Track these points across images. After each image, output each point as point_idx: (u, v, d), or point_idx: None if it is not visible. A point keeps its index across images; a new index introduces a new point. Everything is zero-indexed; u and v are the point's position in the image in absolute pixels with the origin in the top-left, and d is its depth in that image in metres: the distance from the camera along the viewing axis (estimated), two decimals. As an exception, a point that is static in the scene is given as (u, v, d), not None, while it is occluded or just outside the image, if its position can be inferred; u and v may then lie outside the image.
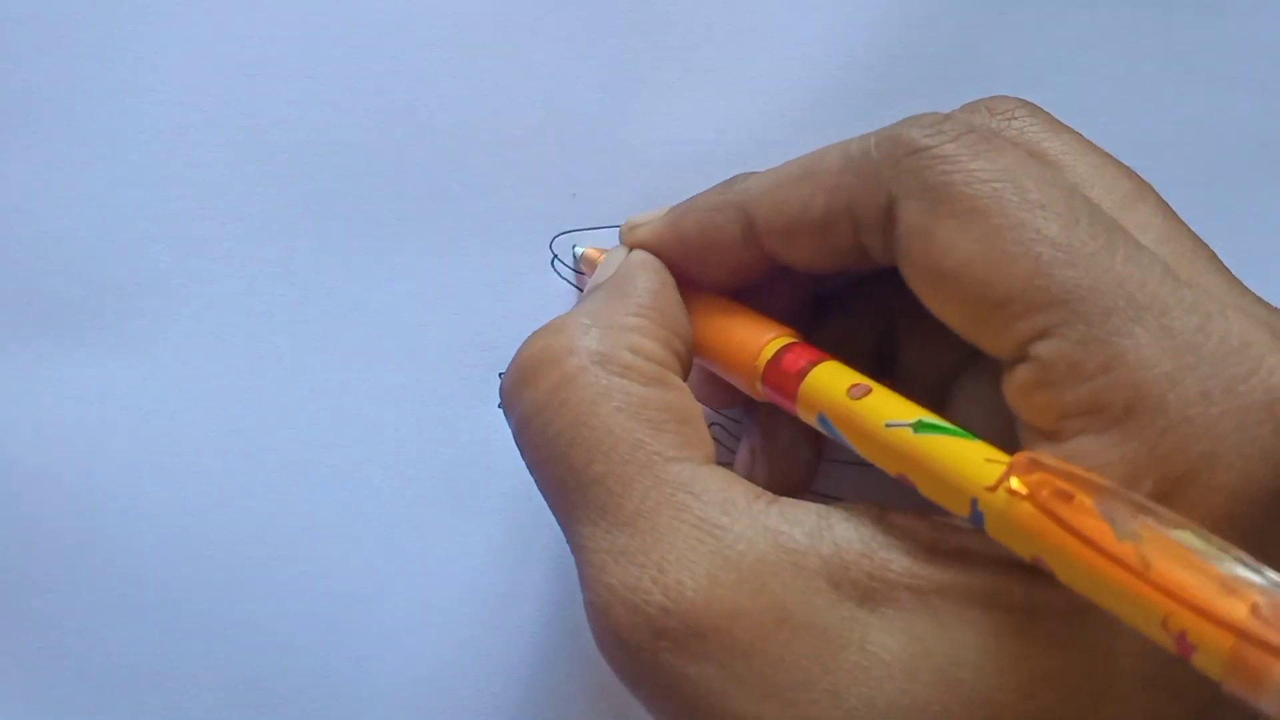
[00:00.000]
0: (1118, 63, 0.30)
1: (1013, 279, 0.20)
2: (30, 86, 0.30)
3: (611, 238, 0.30)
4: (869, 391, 0.22)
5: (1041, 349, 0.20)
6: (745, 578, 0.20)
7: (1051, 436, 0.20)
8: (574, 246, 0.30)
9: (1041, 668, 0.19)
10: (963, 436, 0.21)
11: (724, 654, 0.20)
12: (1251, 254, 0.23)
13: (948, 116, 0.22)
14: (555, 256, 0.30)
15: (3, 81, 0.30)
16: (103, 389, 0.30)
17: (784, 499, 0.21)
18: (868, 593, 0.20)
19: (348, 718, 0.29)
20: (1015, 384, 0.21)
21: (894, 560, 0.20)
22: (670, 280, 0.25)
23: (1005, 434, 0.21)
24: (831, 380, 0.23)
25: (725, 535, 0.21)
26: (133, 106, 0.30)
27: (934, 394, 0.25)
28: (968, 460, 0.20)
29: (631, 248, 0.26)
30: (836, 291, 0.27)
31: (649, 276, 0.25)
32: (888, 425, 0.21)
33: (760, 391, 0.24)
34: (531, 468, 0.23)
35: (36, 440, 0.30)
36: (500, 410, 0.30)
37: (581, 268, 0.30)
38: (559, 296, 0.30)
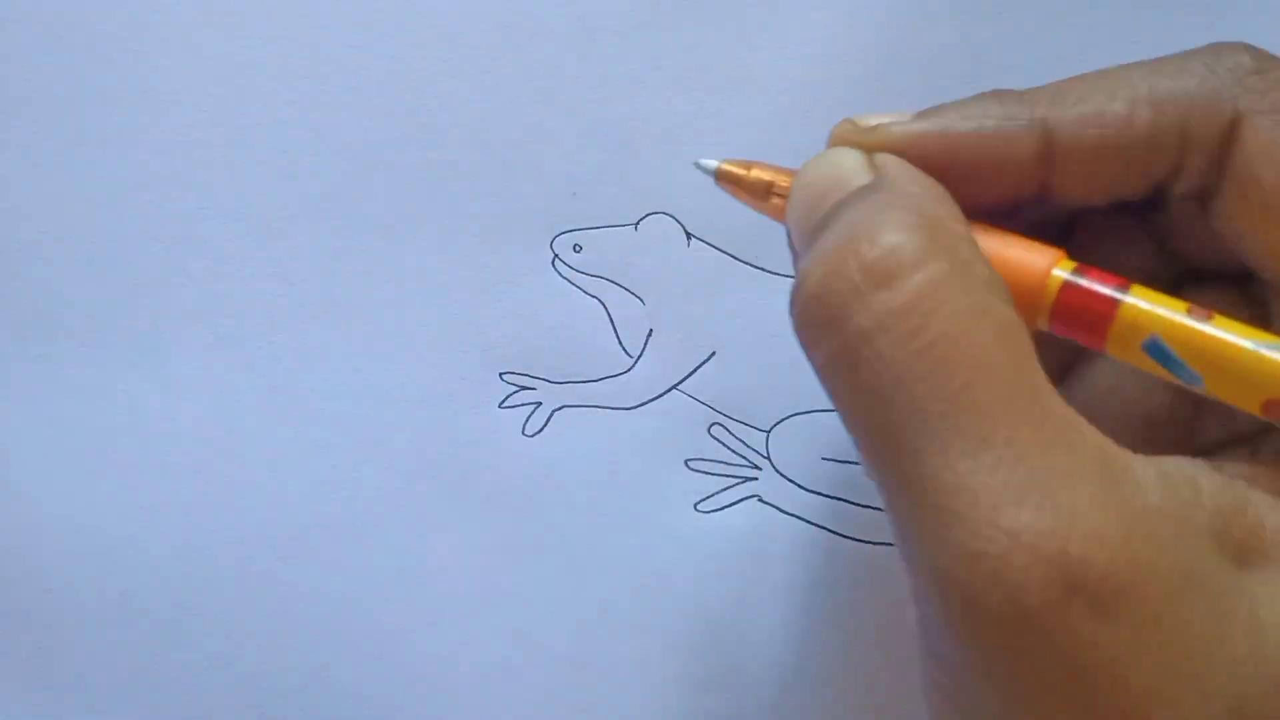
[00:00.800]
0: (1118, 63, 0.30)
1: None
2: (30, 86, 0.30)
3: (612, 238, 0.30)
4: (1211, 316, 0.19)
5: None
6: (1154, 532, 0.18)
7: None
8: (700, 161, 0.25)
9: None
10: None
11: (1139, 615, 0.17)
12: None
13: (1258, 49, 0.21)
14: (556, 256, 0.30)
15: (3, 81, 0.30)
16: (103, 389, 0.30)
17: (1141, 454, 0.19)
18: (1246, 551, 0.18)
19: (348, 718, 0.29)
20: None
21: (1265, 515, 0.18)
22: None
23: (1169, 402, 0.20)
24: (1161, 303, 0.20)
25: (1126, 483, 0.18)
26: (133, 106, 0.30)
27: (1055, 361, 0.23)
28: None
29: (869, 151, 0.22)
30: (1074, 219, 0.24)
31: (928, 181, 0.21)
32: (1256, 348, 0.19)
33: (1042, 324, 0.21)
34: (864, 391, 0.19)
35: (37, 440, 0.30)
36: (501, 410, 0.30)
37: (722, 185, 0.25)
38: (560, 296, 0.30)
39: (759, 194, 0.24)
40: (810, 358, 0.20)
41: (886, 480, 0.19)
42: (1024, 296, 0.20)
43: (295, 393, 0.30)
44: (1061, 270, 0.20)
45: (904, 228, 0.19)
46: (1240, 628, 0.18)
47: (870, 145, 0.22)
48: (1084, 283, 0.20)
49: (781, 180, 0.24)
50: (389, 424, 0.30)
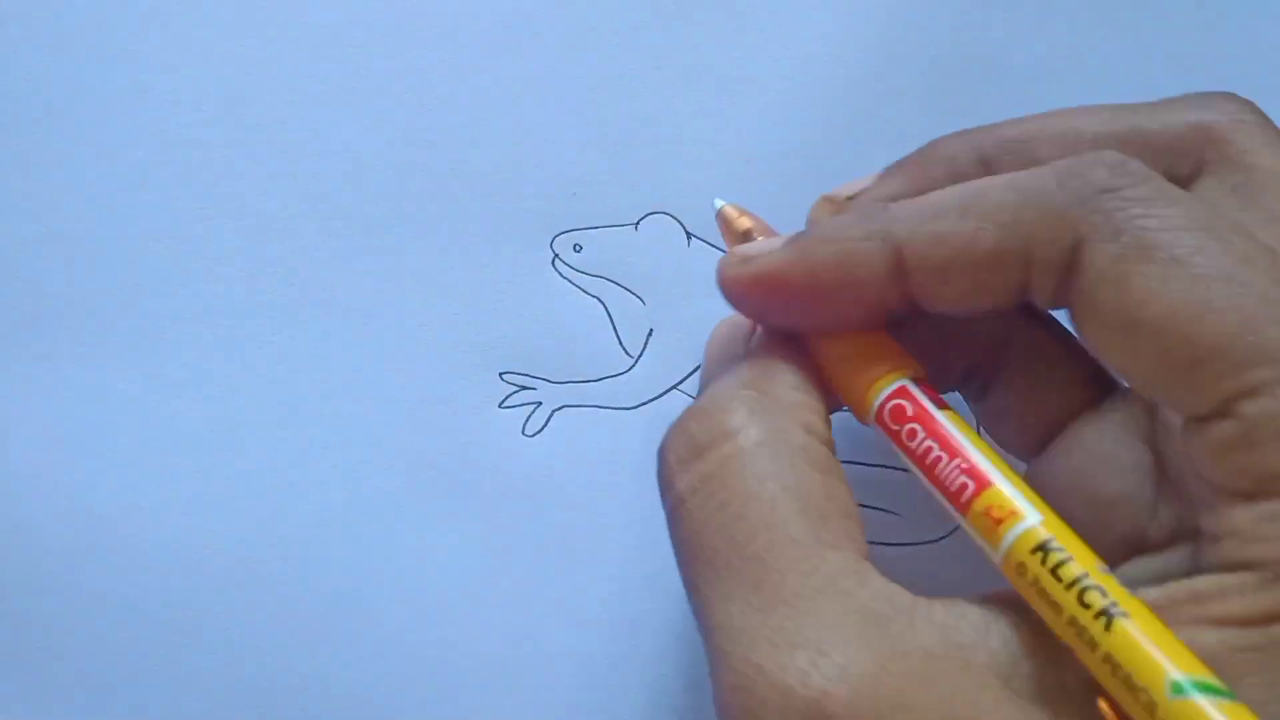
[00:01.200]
0: (1118, 63, 0.30)
1: (1219, 334, 0.19)
2: (30, 86, 0.30)
3: (612, 238, 0.30)
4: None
5: (1249, 408, 0.19)
6: (914, 670, 0.19)
7: (1250, 497, 0.19)
8: (717, 201, 0.27)
9: None
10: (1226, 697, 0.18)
11: None
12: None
13: (1128, 159, 0.21)
14: (556, 256, 0.30)
15: (3, 81, 0.30)
16: (102, 389, 0.30)
17: (944, 597, 0.20)
18: (1042, 688, 0.19)
19: (348, 718, 0.29)
20: (1213, 443, 0.19)
21: (1066, 656, 0.19)
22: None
23: (1129, 490, 0.21)
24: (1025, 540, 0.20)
25: (892, 625, 0.19)
26: (133, 106, 0.30)
27: (1033, 437, 0.24)
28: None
29: (748, 283, 0.24)
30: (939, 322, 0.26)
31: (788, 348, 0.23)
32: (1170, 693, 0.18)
33: (870, 422, 0.23)
34: (681, 542, 0.22)
35: (36, 440, 0.30)
36: (501, 410, 0.30)
37: (720, 226, 0.27)
38: (560, 296, 0.30)
39: (736, 240, 0.26)
40: None
41: (699, 622, 0.21)
42: (858, 400, 0.23)
43: (295, 393, 0.30)
44: (884, 384, 0.22)
45: (726, 403, 0.22)
46: None
47: (746, 278, 0.23)
48: (895, 404, 0.22)
49: (759, 235, 0.26)
50: (389, 424, 0.30)
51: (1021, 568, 0.20)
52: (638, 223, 0.30)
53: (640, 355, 0.30)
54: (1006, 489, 0.21)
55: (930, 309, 0.23)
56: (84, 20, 0.30)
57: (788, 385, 0.23)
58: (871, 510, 0.29)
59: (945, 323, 0.24)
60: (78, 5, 0.30)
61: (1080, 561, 0.19)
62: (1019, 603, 0.20)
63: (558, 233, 0.30)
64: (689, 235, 0.30)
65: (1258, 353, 0.19)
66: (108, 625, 0.29)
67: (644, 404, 0.30)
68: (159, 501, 0.30)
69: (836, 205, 0.25)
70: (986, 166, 0.23)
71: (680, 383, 0.30)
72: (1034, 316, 0.25)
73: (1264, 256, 0.20)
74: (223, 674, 0.29)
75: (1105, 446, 0.23)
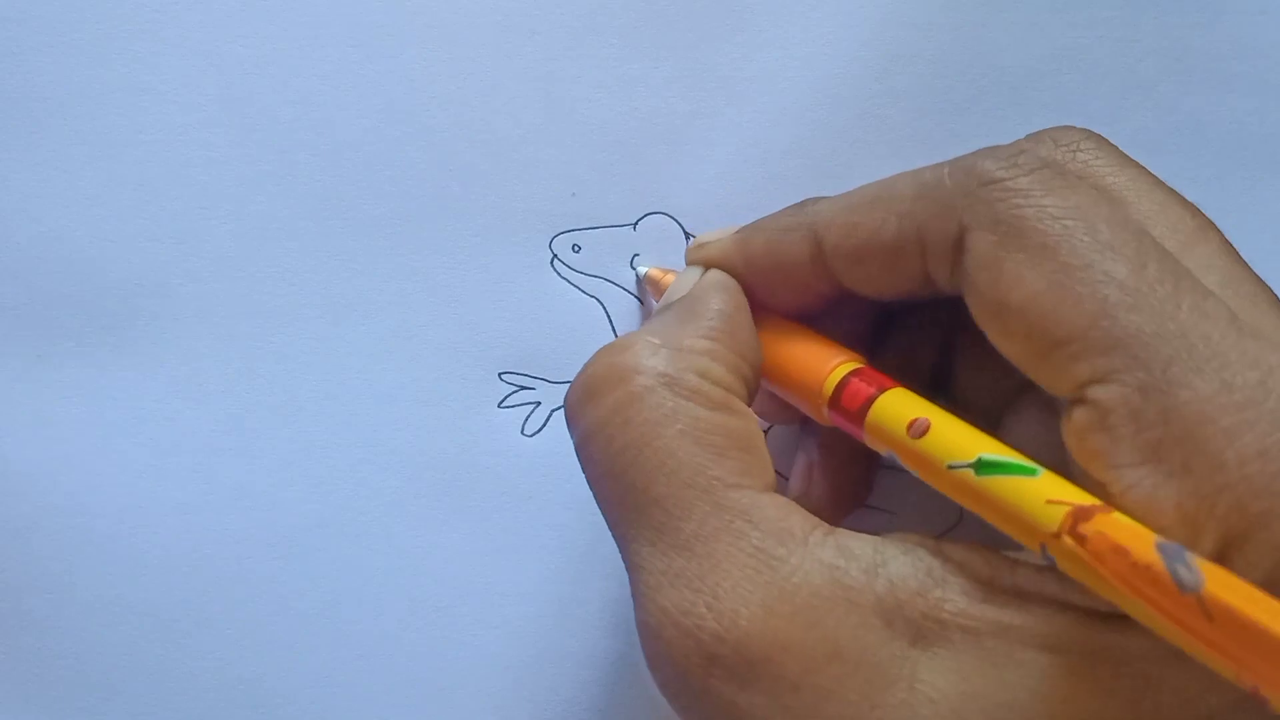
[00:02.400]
0: (1118, 63, 0.30)
1: (1077, 319, 0.20)
2: (30, 86, 0.30)
3: (611, 237, 0.30)
4: (928, 428, 0.22)
5: (1100, 393, 0.20)
6: (799, 610, 0.20)
7: (1104, 483, 0.20)
8: (636, 265, 0.30)
9: (1089, 711, 0.19)
10: (1024, 474, 0.20)
11: (774, 685, 0.20)
12: (1251, 254, 0.23)
13: (1021, 149, 0.22)
14: (555, 256, 0.30)
15: (3, 81, 0.30)
16: (102, 389, 0.30)
17: (840, 530, 0.21)
18: (920, 631, 0.20)
19: (348, 718, 0.29)
20: (1071, 426, 0.20)
21: (949, 600, 0.20)
22: (743, 303, 0.25)
23: (1062, 463, 0.21)
24: (894, 415, 0.23)
25: (781, 567, 0.21)
26: (133, 106, 0.30)
27: (989, 417, 0.25)
28: (1031, 504, 0.20)
29: (702, 266, 0.26)
30: (898, 312, 0.28)
31: (722, 298, 0.25)
32: (949, 467, 0.21)
33: (826, 417, 0.24)
34: (591, 483, 0.23)
35: (36, 440, 0.30)
36: (501, 410, 0.30)
37: (646, 288, 0.30)
38: (559, 296, 0.30)
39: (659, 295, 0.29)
40: None
41: (622, 556, 0.23)
42: (810, 394, 0.24)
43: (295, 393, 0.30)
44: (836, 376, 0.24)
45: (621, 349, 0.23)
46: (895, 697, 0.20)
47: (698, 261, 0.26)
48: (851, 387, 0.24)
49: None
50: (389, 424, 0.30)
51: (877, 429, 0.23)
52: (637, 223, 0.30)
53: (640, 355, 0.30)
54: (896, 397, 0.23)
55: (854, 291, 0.24)
56: (84, 20, 0.30)
57: (693, 333, 0.24)
58: (871, 510, 0.29)
59: (907, 326, 0.27)
60: (78, 5, 0.30)
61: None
62: (911, 545, 0.21)
63: (557, 233, 0.30)
64: (688, 235, 0.30)
65: (1111, 339, 0.20)
66: (107, 625, 0.29)
67: (643, 404, 0.30)
68: (159, 501, 0.30)
69: (694, 248, 0.27)
70: (812, 237, 0.25)
71: (680, 383, 0.30)
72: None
73: (1130, 244, 0.20)
74: (222, 674, 0.29)
75: (1027, 428, 0.24)
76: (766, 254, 0.25)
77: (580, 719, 0.29)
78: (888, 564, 0.21)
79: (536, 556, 0.30)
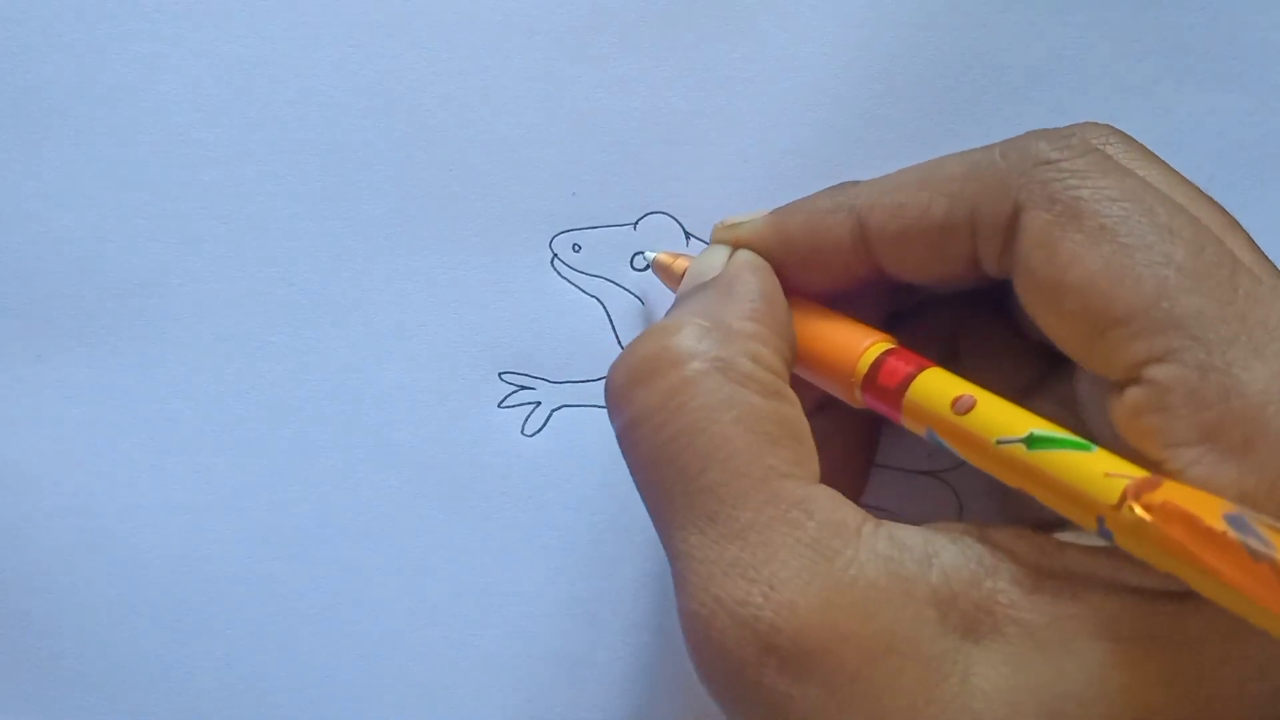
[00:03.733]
0: (1118, 63, 0.30)
1: (1137, 298, 0.20)
2: (30, 86, 0.30)
3: (611, 237, 0.30)
4: (974, 404, 0.21)
5: (1158, 372, 0.20)
6: (857, 602, 0.20)
7: (1160, 462, 0.20)
8: (639, 259, 0.30)
9: (1147, 700, 0.19)
10: (1079, 448, 0.20)
11: (831, 677, 0.20)
12: (1251, 254, 0.23)
13: (1072, 132, 0.22)
14: (555, 256, 0.30)
15: (3, 81, 0.30)
16: (103, 389, 0.30)
17: (888, 522, 0.21)
18: (973, 623, 0.20)
19: (348, 718, 0.29)
20: (1125, 406, 0.20)
21: (1001, 591, 0.20)
22: (778, 284, 0.25)
23: None
24: (936, 392, 0.22)
25: (838, 558, 0.20)
26: (133, 106, 0.30)
27: None
28: (1088, 477, 0.19)
29: (732, 247, 0.26)
30: (905, 308, 0.27)
31: (759, 278, 0.24)
32: (999, 442, 0.21)
33: (858, 399, 0.24)
34: (636, 468, 0.23)
35: (36, 440, 0.30)
36: (501, 410, 0.30)
37: (655, 273, 0.29)
38: (559, 296, 0.30)
39: (676, 282, 0.28)
40: None
41: (663, 544, 0.22)
42: (841, 375, 0.24)
43: (295, 392, 0.30)
44: (870, 356, 0.23)
45: (673, 331, 0.22)
46: (950, 691, 0.19)
47: (730, 241, 0.26)
48: (887, 366, 0.23)
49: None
50: (389, 424, 0.30)
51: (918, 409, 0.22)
52: (637, 222, 0.30)
53: (640, 355, 0.30)
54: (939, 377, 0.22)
55: (895, 276, 0.24)
56: (84, 20, 0.30)
57: (738, 315, 0.23)
58: (868, 509, 0.29)
59: (915, 315, 0.27)
60: (77, 5, 0.30)
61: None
62: (957, 534, 0.21)
63: (557, 232, 0.30)
64: (688, 235, 0.30)
65: (1170, 319, 0.20)
66: (108, 625, 0.29)
67: (643, 404, 0.30)
68: (159, 501, 0.30)
69: (723, 228, 0.26)
70: (855, 218, 0.24)
71: (680, 383, 0.30)
72: (984, 304, 0.26)
73: (1187, 229, 0.21)
74: (222, 674, 0.29)
75: (1050, 416, 0.24)
76: (805, 234, 0.24)
77: (580, 719, 0.29)
78: (939, 554, 0.20)
79: (537, 556, 0.30)
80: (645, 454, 0.22)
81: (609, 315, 0.30)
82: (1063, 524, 0.21)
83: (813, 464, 0.22)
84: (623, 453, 0.23)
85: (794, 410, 0.22)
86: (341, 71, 0.30)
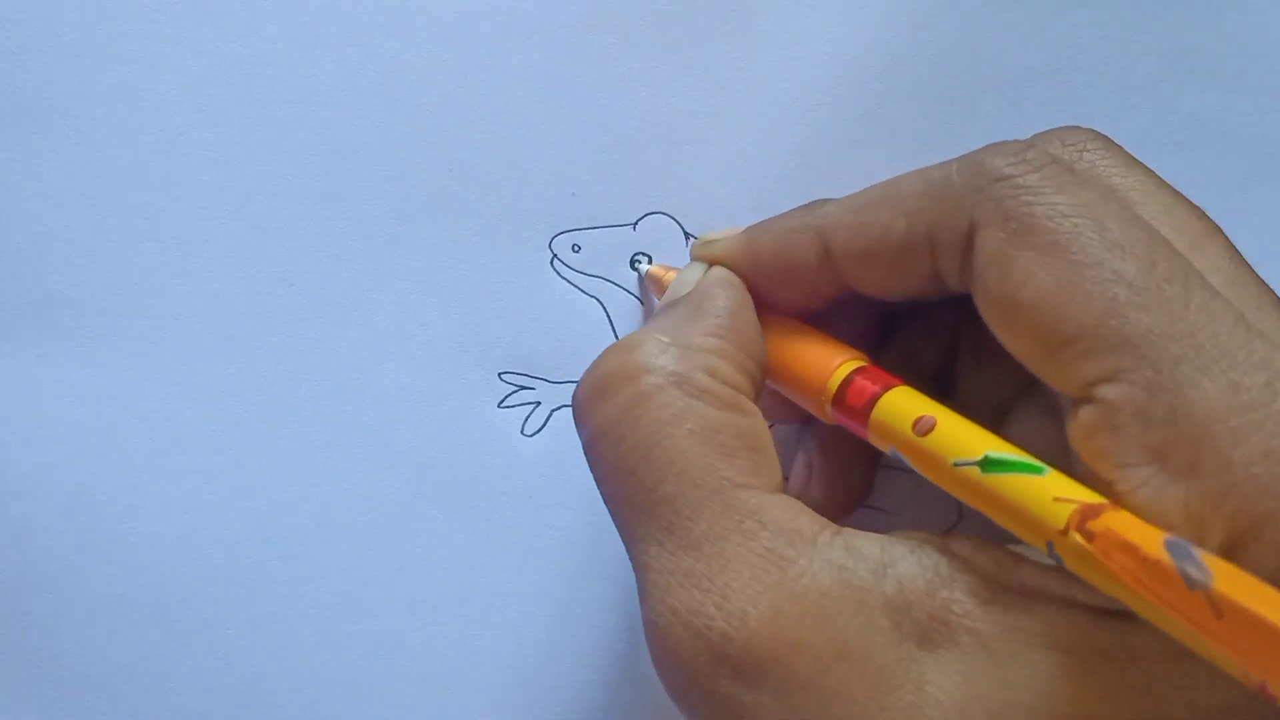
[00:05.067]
0: (1118, 63, 0.30)
1: (1086, 317, 0.20)
2: (30, 86, 0.30)
3: (611, 238, 0.30)
4: (933, 426, 0.22)
5: (1107, 391, 0.20)
6: (808, 611, 0.20)
7: (1111, 482, 0.20)
8: (638, 263, 0.30)
9: (1092, 712, 0.19)
10: (1030, 472, 0.20)
11: (782, 686, 0.20)
12: (1251, 255, 0.23)
13: (1030, 145, 0.22)
14: (555, 256, 0.30)
15: (3, 81, 0.30)
16: (103, 389, 0.30)
17: (848, 530, 0.21)
18: (927, 633, 0.20)
19: (347, 718, 0.29)
20: (1078, 425, 0.20)
21: (956, 601, 0.20)
22: (748, 300, 0.25)
23: (1066, 464, 0.21)
24: (898, 412, 0.23)
25: (790, 568, 0.20)
26: (133, 106, 0.30)
27: (995, 415, 0.25)
28: (1038, 501, 0.20)
29: (707, 264, 0.26)
30: (902, 313, 0.27)
31: (728, 295, 0.25)
32: (955, 464, 0.21)
33: (830, 415, 0.24)
34: (599, 482, 0.23)
35: (36, 440, 0.30)
36: (501, 410, 0.30)
37: (648, 285, 0.30)
38: (559, 296, 0.30)
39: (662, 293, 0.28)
40: None
41: (629, 555, 0.22)
42: (813, 392, 0.24)
43: (295, 392, 0.30)
44: (840, 374, 0.24)
45: (632, 347, 0.23)
46: (903, 700, 0.20)
47: (705, 258, 0.26)
48: (855, 385, 0.24)
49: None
50: (389, 424, 0.30)
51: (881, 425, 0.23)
52: (636, 223, 0.30)
53: (640, 355, 0.30)
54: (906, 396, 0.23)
55: (862, 292, 0.24)
56: (84, 20, 0.30)
57: (701, 331, 0.24)
58: (871, 510, 0.29)
59: (910, 328, 0.27)
60: (78, 5, 0.30)
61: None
62: (917, 544, 0.21)
63: (557, 233, 0.30)
64: (688, 235, 0.30)
65: (1119, 338, 0.20)
66: (108, 625, 0.29)
67: (643, 404, 0.30)
68: (159, 501, 0.30)
69: (700, 245, 0.27)
70: (820, 238, 0.25)
71: (680, 383, 0.30)
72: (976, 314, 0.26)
73: (1141, 244, 0.20)
74: (222, 674, 0.29)
75: (1031, 429, 0.24)
76: (774, 254, 0.25)
77: (580, 719, 0.29)
78: (896, 564, 0.21)
79: (537, 556, 0.30)
80: (606, 467, 0.23)
81: (609, 315, 0.30)
82: None
83: (773, 474, 0.22)
84: (589, 466, 0.23)
85: (752, 422, 0.23)
86: (341, 71, 0.30)
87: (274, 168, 0.30)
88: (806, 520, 0.21)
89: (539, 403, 0.30)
